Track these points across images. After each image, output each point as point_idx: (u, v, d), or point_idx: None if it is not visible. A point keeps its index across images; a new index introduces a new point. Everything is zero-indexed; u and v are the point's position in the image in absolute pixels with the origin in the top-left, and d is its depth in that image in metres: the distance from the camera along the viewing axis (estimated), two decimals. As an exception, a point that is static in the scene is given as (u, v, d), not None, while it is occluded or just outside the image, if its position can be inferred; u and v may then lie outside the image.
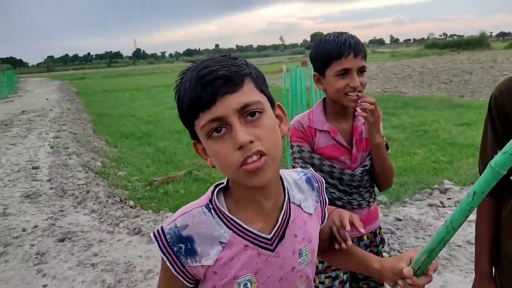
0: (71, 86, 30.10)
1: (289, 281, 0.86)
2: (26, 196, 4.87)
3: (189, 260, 0.81)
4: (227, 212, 0.82)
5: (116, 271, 3.08)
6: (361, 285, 1.61)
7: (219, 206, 0.82)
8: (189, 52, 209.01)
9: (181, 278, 0.83)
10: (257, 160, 0.73)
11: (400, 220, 3.47)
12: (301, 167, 1.47)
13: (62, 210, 4.38)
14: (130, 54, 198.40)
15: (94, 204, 4.53)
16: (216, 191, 0.85)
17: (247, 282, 0.82)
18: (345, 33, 1.42)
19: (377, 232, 1.60)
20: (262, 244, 0.82)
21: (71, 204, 4.57)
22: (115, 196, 4.95)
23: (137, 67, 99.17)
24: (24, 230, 3.89)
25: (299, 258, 0.86)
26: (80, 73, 63.01)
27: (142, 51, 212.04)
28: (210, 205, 0.83)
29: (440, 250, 0.82)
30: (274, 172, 0.79)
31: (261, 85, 0.79)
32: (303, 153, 1.49)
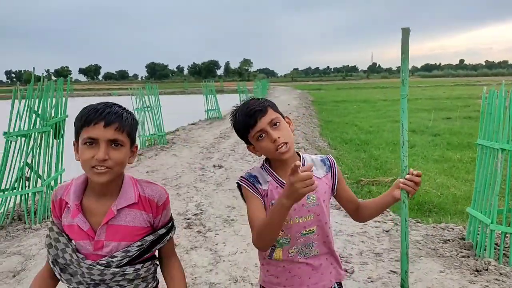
0: (309, 95, 34.34)
1: (300, 211, 1.43)
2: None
3: (257, 185, 1.44)
4: (271, 169, 1.47)
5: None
6: None
7: (267, 166, 1.48)
8: (427, 67, 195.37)
9: (256, 194, 1.42)
10: (285, 147, 1.38)
11: None
12: None
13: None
14: (365, 68, 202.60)
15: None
16: (265, 160, 1.51)
17: None
18: None
19: None
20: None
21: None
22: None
23: (370, 80, 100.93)
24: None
25: (307, 199, 1.42)
26: (317, 84, 70.25)
27: (377, 65, 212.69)
28: (263, 166, 1.49)
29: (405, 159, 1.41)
30: (293, 151, 1.43)
31: (276, 109, 1.45)
32: None
